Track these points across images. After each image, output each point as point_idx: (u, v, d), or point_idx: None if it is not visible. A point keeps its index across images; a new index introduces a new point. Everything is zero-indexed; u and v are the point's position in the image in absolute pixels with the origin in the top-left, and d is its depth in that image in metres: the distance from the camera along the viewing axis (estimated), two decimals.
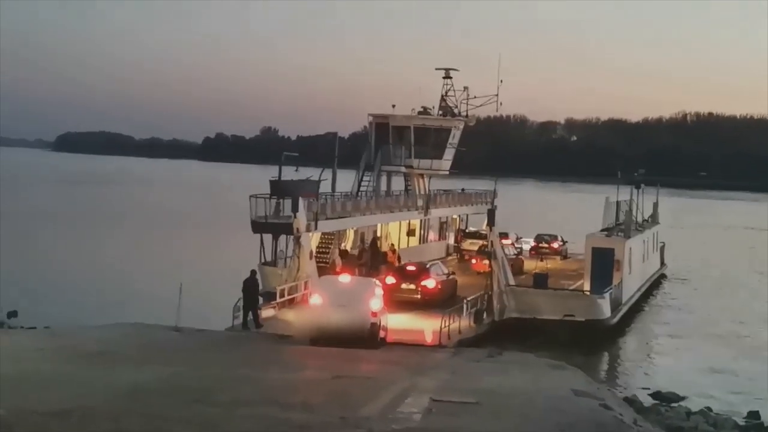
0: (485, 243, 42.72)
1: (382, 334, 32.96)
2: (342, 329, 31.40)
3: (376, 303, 32.15)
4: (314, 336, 32.12)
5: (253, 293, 36.29)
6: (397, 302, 39.69)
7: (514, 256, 55.89)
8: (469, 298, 41.19)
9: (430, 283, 43.05)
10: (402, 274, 43.63)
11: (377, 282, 35.26)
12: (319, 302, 32.36)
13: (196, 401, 20.51)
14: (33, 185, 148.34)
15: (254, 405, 20.22)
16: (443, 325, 35.31)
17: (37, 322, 37.95)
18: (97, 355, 26.87)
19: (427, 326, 36.92)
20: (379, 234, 53.62)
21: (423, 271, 43.99)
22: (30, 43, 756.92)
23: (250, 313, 36.15)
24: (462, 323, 37.55)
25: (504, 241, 53.79)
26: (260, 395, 21.58)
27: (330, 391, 22.58)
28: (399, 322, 36.38)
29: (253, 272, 37.75)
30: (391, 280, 42.83)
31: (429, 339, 35.40)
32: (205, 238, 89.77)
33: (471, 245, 62.31)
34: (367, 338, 31.61)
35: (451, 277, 46.31)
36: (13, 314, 41.95)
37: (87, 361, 25.63)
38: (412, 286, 42.60)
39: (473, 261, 56.47)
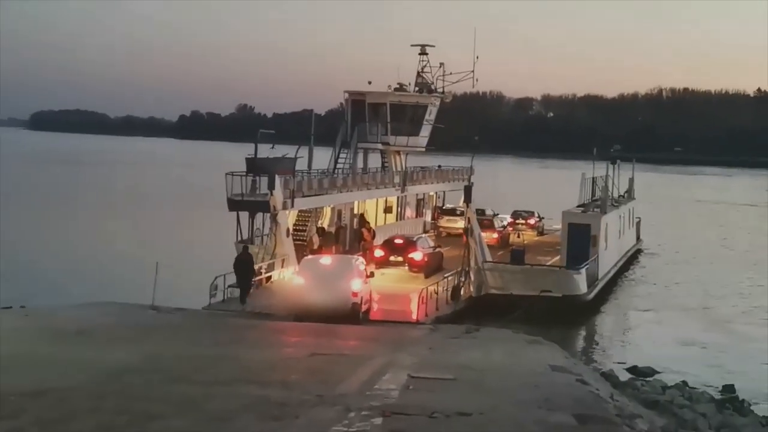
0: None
1: (364, 307, 34.11)
2: (324, 309, 32.50)
3: (356, 283, 33.13)
4: (298, 315, 33.07)
5: (246, 269, 36.59)
6: (386, 274, 41.58)
7: (501, 229, 60.03)
8: (447, 275, 41.55)
9: (417, 255, 44.53)
10: (390, 247, 44.64)
11: (360, 259, 36.19)
12: (302, 283, 33.32)
13: (174, 380, 20.47)
14: (6, 164, 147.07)
15: (232, 383, 20.20)
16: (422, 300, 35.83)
17: (13, 302, 37.70)
18: (73, 334, 26.74)
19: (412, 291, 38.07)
20: (356, 211, 53.59)
21: (410, 244, 45.40)
22: None
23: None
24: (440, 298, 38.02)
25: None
26: (238, 373, 21.56)
27: (308, 368, 22.59)
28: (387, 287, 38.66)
29: (246, 248, 38.37)
30: (379, 253, 45.04)
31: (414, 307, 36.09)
32: (181, 217, 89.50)
33: (448, 222, 62.48)
34: (349, 316, 32.59)
35: (437, 250, 47.52)
36: None
37: (64, 341, 25.51)
38: (400, 259, 44.37)
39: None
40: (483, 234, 54.26)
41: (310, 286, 33.07)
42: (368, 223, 51.83)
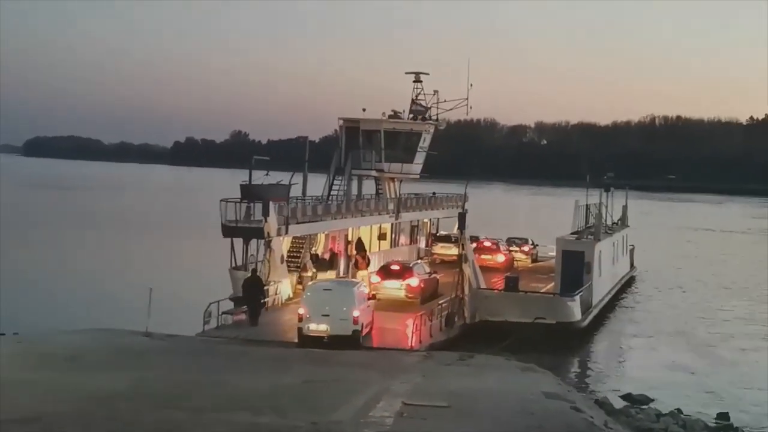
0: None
1: (366, 330, 35.33)
2: (326, 335, 33.77)
3: (356, 310, 34.12)
4: (300, 341, 34.06)
5: (254, 291, 37.66)
6: (382, 300, 41.52)
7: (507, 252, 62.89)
8: (440, 302, 41.53)
9: (413, 281, 44.19)
10: (386, 272, 44.33)
11: (361, 284, 37.70)
12: (304, 311, 34.17)
13: (165, 407, 20.39)
14: (1, 190, 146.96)
15: (224, 410, 20.12)
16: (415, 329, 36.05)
17: (6, 328, 37.51)
18: (66, 360, 26.64)
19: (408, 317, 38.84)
20: (350, 238, 53.57)
21: (407, 269, 45.10)
22: None
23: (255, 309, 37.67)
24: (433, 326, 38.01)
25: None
26: (230, 400, 21.48)
27: (301, 395, 22.51)
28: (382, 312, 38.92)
29: (254, 270, 39.50)
30: (375, 279, 44.65)
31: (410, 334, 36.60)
32: (175, 243, 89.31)
33: (442, 249, 62.49)
34: (349, 342, 33.61)
35: (433, 276, 47.41)
36: None
37: (56, 367, 25.41)
38: (397, 284, 43.63)
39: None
40: (490, 257, 57.60)
41: (312, 311, 33.94)
42: (365, 250, 51.90)
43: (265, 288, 39.81)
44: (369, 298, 36.85)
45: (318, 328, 33.85)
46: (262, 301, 38.52)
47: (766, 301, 61.10)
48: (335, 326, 33.79)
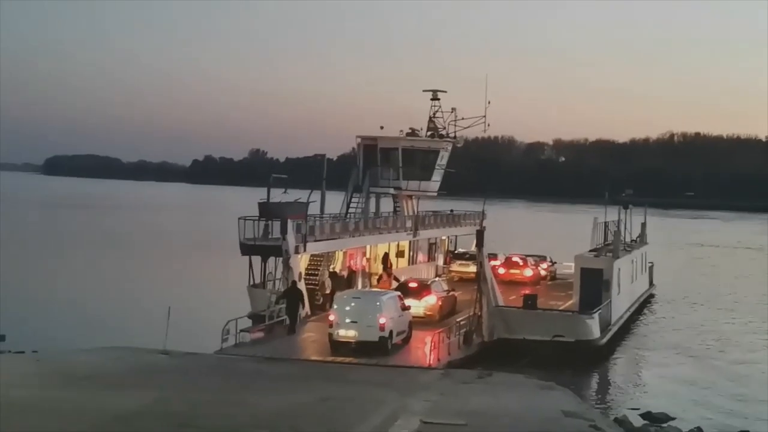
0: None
1: (399, 338, 37.28)
2: (354, 341, 35.46)
3: (383, 317, 35.58)
4: (332, 347, 35.77)
5: (295, 300, 39.53)
6: None
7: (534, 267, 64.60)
8: (459, 320, 41.46)
9: (431, 299, 44.26)
10: (404, 290, 44.21)
11: (393, 294, 39.15)
12: (333, 318, 35.91)
13: (186, 425, 20.40)
14: (22, 209, 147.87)
15: (242, 429, 20.11)
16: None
17: (25, 346, 37.69)
18: (84, 379, 26.71)
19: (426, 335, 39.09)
20: (368, 255, 53.56)
21: (425, 287, 45.17)
22: (15, 67, 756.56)
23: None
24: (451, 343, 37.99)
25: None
26: (248, 419, 21.48)
27: (319, 413, 22.49)
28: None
29: (294, 282, 40.96)
30: None
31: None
32: (193, 261, 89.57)
33: (460, 266, 62.55)
34: (377, 348, 35.21)
35: (450, 293, 47.55)
36: (0, 338, 41.66)
37: (75, 386, 25.48)
38: (415, 302, 43.44)
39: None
40: (519, 271, 61.30)
41: (341, 318, 35.61)
42: (391, 266, 51.98)
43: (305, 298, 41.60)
44: (403, 309, 38.18)
45: (347, 334, 35.43)
46: (298, 313, 40.14)
47: None
48: (363, 332, 35.23)
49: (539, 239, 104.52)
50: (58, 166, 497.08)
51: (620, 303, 51.86)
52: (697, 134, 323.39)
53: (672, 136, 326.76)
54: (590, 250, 55.34)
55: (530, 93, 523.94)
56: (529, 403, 26.11)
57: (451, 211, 68.55)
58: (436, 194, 62.53)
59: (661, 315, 62.33)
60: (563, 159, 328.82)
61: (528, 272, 62.99)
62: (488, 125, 62.75)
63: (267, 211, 43.55)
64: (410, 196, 61.15)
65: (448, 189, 63.45)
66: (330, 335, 35.82)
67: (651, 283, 71.08)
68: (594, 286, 47.38)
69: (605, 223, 58.93)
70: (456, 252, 67.46)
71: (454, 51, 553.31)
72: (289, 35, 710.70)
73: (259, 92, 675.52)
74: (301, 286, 43.03)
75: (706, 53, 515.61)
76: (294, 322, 39.30)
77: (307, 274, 45.52)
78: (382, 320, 35.50)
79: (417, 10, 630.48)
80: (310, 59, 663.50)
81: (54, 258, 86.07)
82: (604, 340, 45.64)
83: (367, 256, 53.50)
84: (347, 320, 35.61)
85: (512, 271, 62.33)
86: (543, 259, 69.92)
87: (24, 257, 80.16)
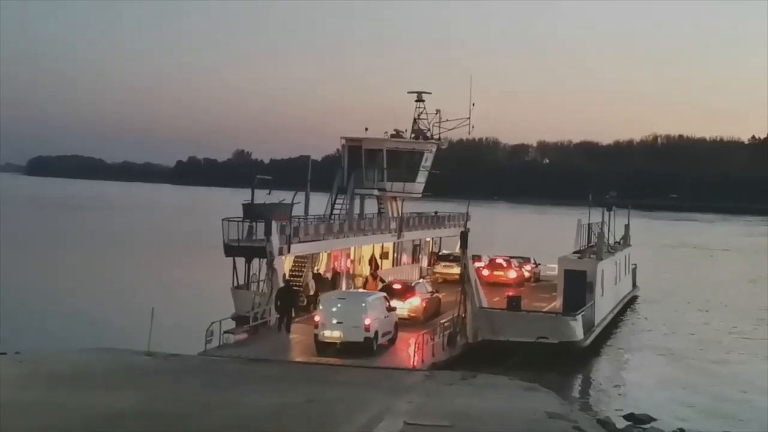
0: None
1: (385, 339, 37.49)
2: (339, 341, 35.65)
3: (368, 318, 35.80)
4: (317, 348, 35.88)
5: (288, 300, 39.99)
6: None
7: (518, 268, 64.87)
8: (443, 321, 41.54)
9: (415, 300, 44.39)
10: (389, 291, 44.23)
11: (379, 295, 39.33)
12: (319, 319, 36.13)
13: (169, 427, 20.38)
14: (3, 210, 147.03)
15: (231, 430, 20.10)
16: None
17: (8, 347, 37.55)
18: (69, 380, 26.64)
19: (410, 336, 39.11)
20: (352, 257, 53.58)
21: (409, 289, 45.36)
22: None
23: (285, 318, 39.91)
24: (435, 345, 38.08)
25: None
26: (234, 420, 21.48)
27: (304, 414, 22.50)
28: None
29: (288, 281, 41.71)
30: None
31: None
32: (177, 262, 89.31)
33: (444, 268, 62.71)
34: (363, 348, 35.44)
35: (435, 295, 47.67)
36: None
37: (58, 387, 25.40)
38: (399, 304, 43.47)
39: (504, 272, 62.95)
40: (503, 273, 61.57)
41: (326, 319, 35.75)
42: (377, 268, 52.03)
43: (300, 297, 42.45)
44: (389, 310, 38.41)
45: (332, 334, 35.59)
46: (300, 304, 41.46)
47: (766, 318, 61.10)
48: (348, 333, 35.42)
49: (523, 241, 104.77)
50: (41, 167, 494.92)
51: (604, 304, 52.07)
52: (681, 136, 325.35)
53: (656, 138, 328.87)
54: (574, 252, 55.56)
55: (515, 95, 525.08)
56: (513, 405, 26.20)
57: (436, 212, 68.59)
58: (420, 196, 62.56)
59: (644, 316, 62.59)
60: (547, 161, 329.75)
61: (512, 274, 63.09)
62: (473, 127, 62.90)
63: (251, 212, 43.50)
64: (395, 198, 61.18)
65: (433, 190, 63.50)
66: (316, 336, 35.91)
67: (634, 285, 71.41)
68: (578, 287, 47.57)
69: (589, 224, 59.13)
70: (440, 253, 67.60)
71: (438, 53, 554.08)
72: (272, 37, 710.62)
73: (244, 93, 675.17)
74: None
75: (690, 56, 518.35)
76: (289, 323, 39.76)
77: (291, 276, 45.52)
78: (367, 321, 35.67)
79: (400, 11, 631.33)
80: (294, 60, 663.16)
81: (37, 259, 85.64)
82: (588, 341, 45.80)
83: (352, 257, 53.51)
84: (333, 321, 35.73)
85: (496, 272, 62.59)
86: (527, 260, 70.09)
87: (5, 258, 79.70)
